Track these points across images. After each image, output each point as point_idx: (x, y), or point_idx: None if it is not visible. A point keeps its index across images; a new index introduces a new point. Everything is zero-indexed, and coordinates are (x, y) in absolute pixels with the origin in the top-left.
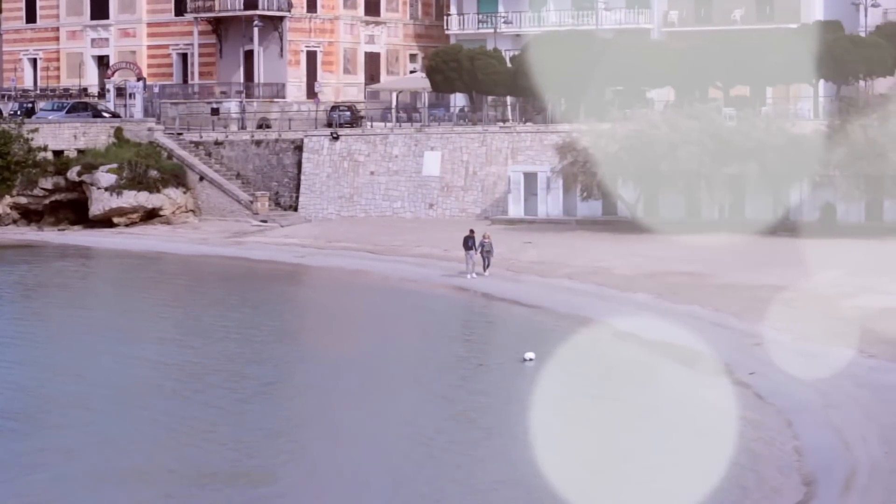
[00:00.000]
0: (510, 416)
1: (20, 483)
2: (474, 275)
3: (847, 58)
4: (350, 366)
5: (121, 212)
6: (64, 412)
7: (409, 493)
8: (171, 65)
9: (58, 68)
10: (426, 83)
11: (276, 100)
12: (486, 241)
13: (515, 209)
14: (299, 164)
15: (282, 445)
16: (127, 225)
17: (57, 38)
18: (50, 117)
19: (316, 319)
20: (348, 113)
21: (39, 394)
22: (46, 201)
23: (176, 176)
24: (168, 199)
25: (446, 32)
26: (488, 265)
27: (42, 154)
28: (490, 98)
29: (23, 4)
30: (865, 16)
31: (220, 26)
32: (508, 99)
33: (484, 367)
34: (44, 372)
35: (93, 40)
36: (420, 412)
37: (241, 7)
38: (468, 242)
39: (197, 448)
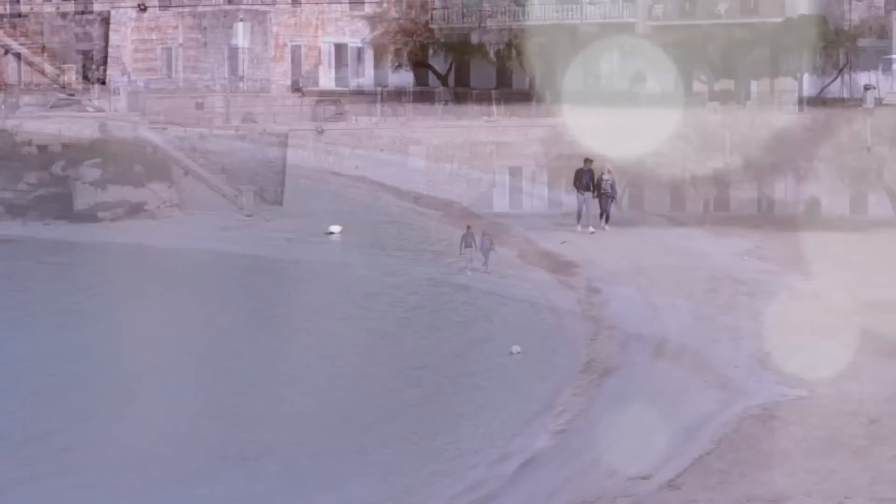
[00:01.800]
0: None
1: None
2: (469, 272)
3: (832, 51)
4: (334, 359)
5: (105, 206)
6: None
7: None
8: (155, 59)
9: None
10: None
11: (260, 94)
12: (485, 238)
13: None
14: (284, 159)
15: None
16: (112, 220)
17: (41, 33)
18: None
19: (300, 310)
20: (333, 107)
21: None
22: (31, 196)
23: (160, 170)
24: (153, 193)
25: (431, 27)
26: (485, 262)
27: (26, 149)
28: (475, 92)
29: None
30: (850, 10)
31: (204, 21)
32: (493, 93)
33: (471, 362)
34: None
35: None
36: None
37: (226, 1)
38: (466, 240)
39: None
